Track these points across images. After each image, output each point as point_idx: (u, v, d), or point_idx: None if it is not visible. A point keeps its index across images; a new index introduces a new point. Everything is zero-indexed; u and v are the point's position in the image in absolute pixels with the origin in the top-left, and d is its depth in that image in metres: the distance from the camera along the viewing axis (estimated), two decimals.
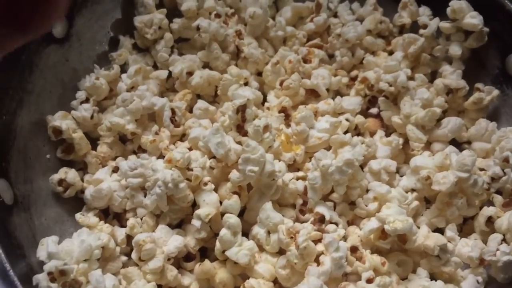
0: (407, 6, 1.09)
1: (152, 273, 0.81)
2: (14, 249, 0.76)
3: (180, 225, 0.91)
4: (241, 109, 0.92)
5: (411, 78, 1.03)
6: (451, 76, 1.03)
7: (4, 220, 0.78)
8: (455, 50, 1.03)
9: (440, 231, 0.91)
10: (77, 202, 0.93)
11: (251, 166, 0.83)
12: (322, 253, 0.82)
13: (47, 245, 0.78)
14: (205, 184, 0.88)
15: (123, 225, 0.91)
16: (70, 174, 0.90)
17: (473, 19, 1.00)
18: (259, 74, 1.08)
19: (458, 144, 1.01)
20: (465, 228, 0.94)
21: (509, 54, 1.00)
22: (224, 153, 0.86)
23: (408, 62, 1.05)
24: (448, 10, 1.01)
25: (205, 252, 0.90)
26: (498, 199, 0.91)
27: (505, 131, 0.96)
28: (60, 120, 0.92)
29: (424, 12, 1.08)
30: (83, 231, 0.83)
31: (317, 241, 0.83)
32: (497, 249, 0.83)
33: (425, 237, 0.86)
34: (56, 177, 0.90)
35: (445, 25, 1.04)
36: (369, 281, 0.79)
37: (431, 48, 1.07)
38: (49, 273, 0.74)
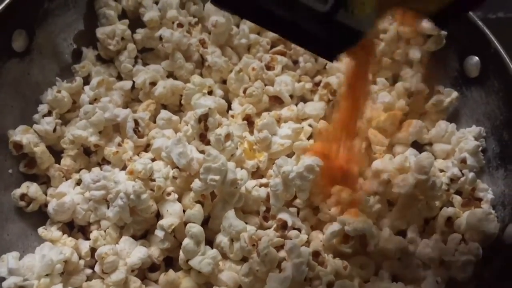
0: None
1: (115, 285, 0.81)
2: None
3: (144, 235, 0.91)
4: (203, 118, 0.93)
5: (373, 82, 1.05)
6: (411, 79, 1.05)
7: None
8: (415, 53, 1.05)
9: (403, 232, 0.92)
10: (41, 216, 0.92)
11: (213, 175, 0.84)
12: (284, 259, 0.83)
13: (7, 261, 0.78)
14: (168, 194, 0.88)
15: (87, 238, 0.91)
16: (32, 188, 0.90)
17: (431, 23, 1.02)
18: (224, 82, 1.09)
19: (420, 146, 1.03)
20: (427, 228, 0.95)
21: (467, 56, 1.02)
22: (186, 163, 0.87)
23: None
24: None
25: (170, 261, 0.90)
26: (457, 199, 0.93)
27: (464, 132, 0.99)
28: (20, 135, 0.92)
29: None
30: (45, 246, 0.83)
31: (280, 247, 0.84)
32: (456, 249, 0.85)
33: (386, 240, 0.87)
34: (18, 191, 0.90)
35: (404, 29, 1.05)
36: (329, 285, 0.80)
37: (392, 52, 1.09)
38: None
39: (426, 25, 1.02)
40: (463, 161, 0.94)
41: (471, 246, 0.85)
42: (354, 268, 0.85)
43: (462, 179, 0.92)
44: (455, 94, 1.02)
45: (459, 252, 0.84)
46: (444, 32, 1.03)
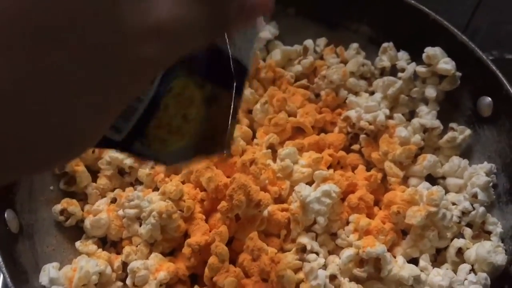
0: (387, 51, 1.18)
1: None
2: (19, 275, 0.83)
3: (172, 253, 0.97)
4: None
5: (390, 117, 1.12)
6: (426, 116, 1.11)
7: (10, 247, 0.85)
8: (431, 92, 1.11)
9: (415, 260, 0.97)
10: (77, 231, 0.99)
11: (238, 197, 0.90)
12: (302, 281, 0.89)
13: (49, 271, 0.85)
14: (197, 214, 0.95)
15: (119, 253, 0.97)
16: (71, 205, 0.98)
17: (446, 64, 1.08)
18: (250, 112, 1.16)
19: (434, 179, 1.09)
20: (439, 258, 1.00)
21: (480, 96, 1.08)
22: (214, 187, 0.94)
23: (388, 103, 1.13)
24: (424, 56, 1.10)
25: (195, 278, 0.96)
26: (468, 231, 0.98)
27: (476, 168, 1.04)
28: None
29: (403, 57, 1.17)
30: (82, 258, 0.90)
31: (297, 270, 0.90)
32: (465, 279, 0.90)
33: (400, 268, 0.92)
34: (58, 207, 0.97)
35: (421, 69, 1.12)
36: None
37: (409, 90, 1.15)
38: None
39: (441, 66, 1.08)
40: (474, 195, 0.99)
41: (480, 276, 0.90)
42: None
43: (473, 212, 0.98)
44: (468, 131, 1.08)
45: (468, 282, 0.89)
46: (458, 73, 1.09)
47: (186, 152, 0.55)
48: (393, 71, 1.18)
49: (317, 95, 1.20)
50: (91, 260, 0.89)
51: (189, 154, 0.56)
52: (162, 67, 0.43)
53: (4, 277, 0.80)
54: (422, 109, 1.13)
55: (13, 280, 0.78)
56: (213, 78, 0.55)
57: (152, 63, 0.39)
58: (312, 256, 0.92)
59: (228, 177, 0.98)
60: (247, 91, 1.13)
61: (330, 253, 0.98)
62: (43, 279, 0.85)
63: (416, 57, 1.14)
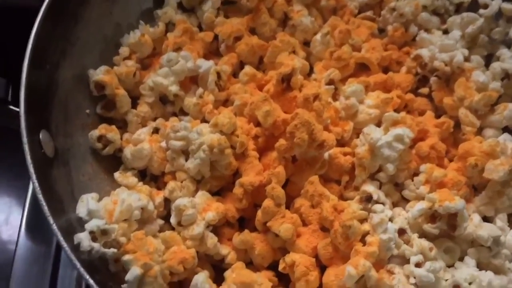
0: None
1: (193, 239, 0.78)
2: (55, 203, 0.74)
3: (219, 192, 0.88)
4: (287, 78, 0.89)
5: (466, 59, 0.99)
6: (509, 60, 0.98)
7: (46, 173, 0.76)
8: None
9: (488, 219, 0.87)
10: (115, 161, 0.90)
11: (300, 135, 0.79)
12: (368, 233, 0.79)
13: (87, 202, 0.76)
14: (250, 151, 0.84)
15: (160, 188, 0.88)
16: (110, 131, 0.87)
17: None
18: (306, 43, 1.04)
19: (511, 131, 0.97)
20: None
21: None
22: (272, 122, 0.83)
23: (465, 43, 1.00)
24: None
25: (242, 222, 0.87)
26: None
27: None
28: (103, 75, 0.89)
29: None
30: (123, 191, 0.80)
31: (362, 220, 0.80)
32: None
33: (477, 227, 0.82)
34: (96, 133, 0.87)
35: (508, 6, 0.98)
36: (418, 265, 0.76)
37: (490, 30, 1.02)
38: (91, 232, 0.72)
39: None
40: None
41: None
42: (439, 251, 0.80)
43: None
44: None
45: None
46: None
47: None
48: (470, 7, 1.04)
49: (382, 30, 1.06)
50: (133, 194, 0.80)
51: None
52: None
53: (36, 207, 0.71)
54: (504, 52, 0.99)
55: (50, 210, 0.68)
56: None
57: None
58: (378, 207, 0.81)
59: (286, 113, 0.87)
60: (305, 19, 1.00)
61: (394, 205, 0.88)
62: (81, 210, 0.75)
63: None
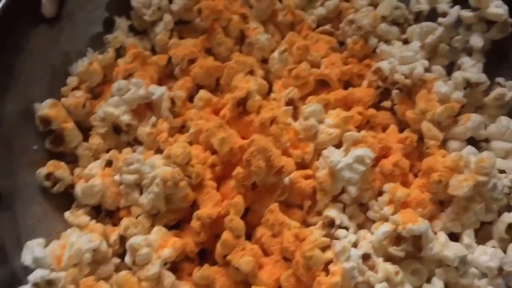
0: None
1: (148, 280, 0.74)
2: None
3: (177, 226, 0.84)
4: (242, 102, 0.86)
5: (427, 70, 0.97)
6: (471, 69, 0.96)
7: None
8: (476, 41, 0.96)
9: (455, 235, 0.85)
10: (67, 198, 0.86)
11: (257, 162, 0.76)
12: (331, 261, 0.76)
13: (33, 249, 0.72)
14: (207, 181, 0.81)
15: (115, 224, 0.84)
16: (59, 168, 0.83)
17: (497, 8, 0.93)
18: (265, 61, 1.01)
19: (476, 142, 0.95)
20: (480, 233, 0.88)
21: None
22: (228, 150, 0.80)
23: (425, 53, 0.98)
24: None
25: (204, 254, 0.84)
26: None
27: None
28: (49, 109, 0.85)
29: None
30: (73, 232, 0.77)
31: (325, 248, 0.77)
32: None
33: (443, 246, 0.80)
34: (43, 170, 0.83)
35: (466, 13, 0.97)
36: None
37: (450, 38, 1.00)
38: (35, 284, 0.68)
39: (492, 10, 0.93)
40: None
41: None
42: (405, 273, 0.78)
43: None
44: None
45: None
46: (511, 20, 0.94)
47: None
48: (430, 16, 1.02)
49: (341, 43, 1.03)
50: (83, 235, 0.76)
51: None
52: None
53: None
54: (465, 61, 0.98)
55: None
56: None
57: None
58: (342, 232, 0.79)
59: (243, 138, 0.84)
60: (262, 37, 0.97)
61: (359, 227, 0.85)
62: (26, 258, 0.71)
63: None
